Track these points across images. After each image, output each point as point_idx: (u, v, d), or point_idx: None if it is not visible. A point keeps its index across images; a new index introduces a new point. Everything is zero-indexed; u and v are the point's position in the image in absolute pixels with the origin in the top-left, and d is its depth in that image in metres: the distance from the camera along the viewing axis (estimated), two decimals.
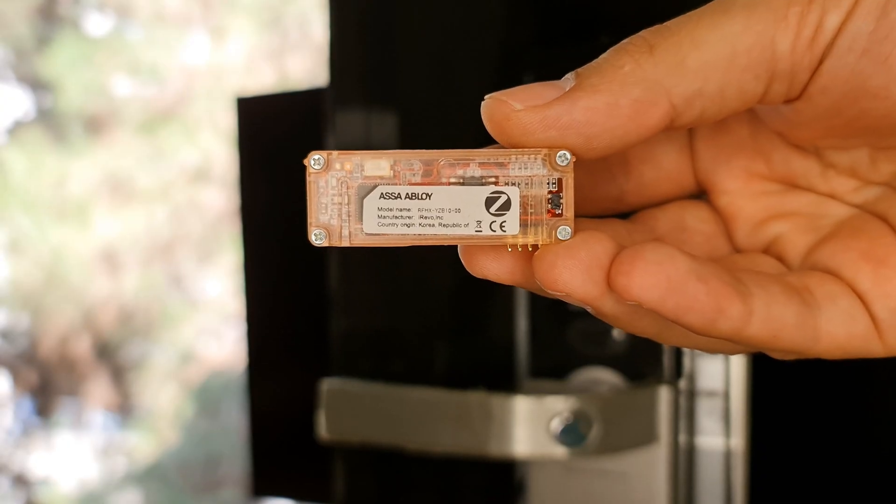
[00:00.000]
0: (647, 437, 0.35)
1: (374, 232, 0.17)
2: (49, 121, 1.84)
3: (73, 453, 1.77)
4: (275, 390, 0.52)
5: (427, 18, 0.40)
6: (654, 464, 0.36)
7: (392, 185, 0.17)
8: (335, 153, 0.17)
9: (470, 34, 0.39)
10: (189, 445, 1.76)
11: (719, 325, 0.16)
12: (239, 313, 1.64)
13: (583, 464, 0.36)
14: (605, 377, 0.36)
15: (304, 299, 0.51)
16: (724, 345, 0.18)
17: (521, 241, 0.17)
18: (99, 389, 1.81)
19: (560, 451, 0.34)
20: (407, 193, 0.17)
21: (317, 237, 0.17)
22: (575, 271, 0.16)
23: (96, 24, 1.87)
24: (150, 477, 1.74)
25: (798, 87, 0.17)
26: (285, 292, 0.52)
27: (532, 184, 0.17)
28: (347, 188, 0.17)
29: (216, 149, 1.78)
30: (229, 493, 1.73)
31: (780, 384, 0.38)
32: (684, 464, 0.36)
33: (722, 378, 0.36)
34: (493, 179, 0.17)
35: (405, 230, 0.17)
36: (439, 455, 0.37)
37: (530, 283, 0.18)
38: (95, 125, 1.82)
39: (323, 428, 0.39)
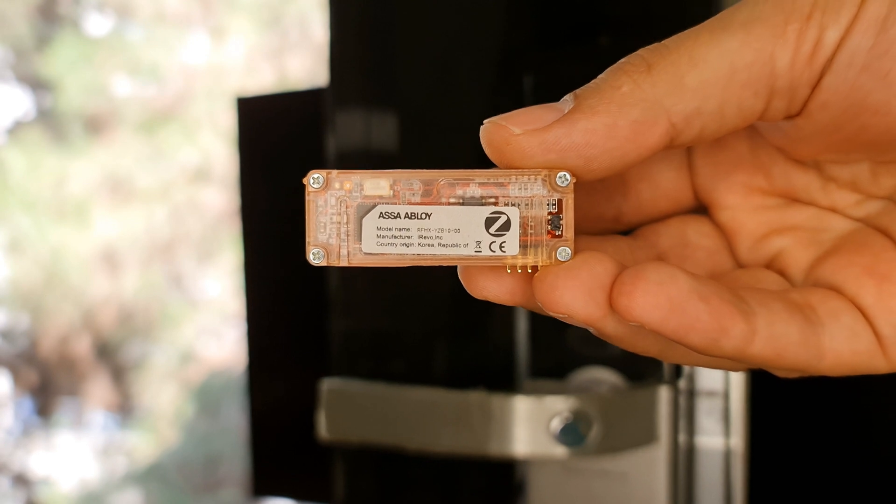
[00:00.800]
0: (647, 437, 0.35)
1: (372, 252, 0.17)
2: (49, 121, 1.84)
3: (73, 453, 1.77)
4: (275, 390, 0.52)
5: (427, 18, 0.40)
6: (653, 464, 0.36)
7: (391, 204, 0.17)
8: (334, 172, 0.17)
9: (470, 35, 0.39)
10: (189, 445, 1.76)
11: (722, 345, 0.16)
12: (239, 313, 1.64)
13: (583, 464, 0.36)
14: (604, 377, 0.36)
15: (304, 299, 0.51)
16: (727, 362, 0.18)
17: (520, 262, 0.17)
18: (99, 389, 1.81)
19: (560, 451, 0.34)
20: (406, 213, 0.17)
21: (315, 257, 0.17)
22: (576, 292, 0.16)
23: (96, 23, 1.87)
24: (150, 477, 1.74)
25: (798, 103, 0.17)
26: (285, 292, 0.52)
27: (532, 204, 0.17)
28: (346, 207, 0.17)
29: (216, 149, 1.78)
30: (229, 493, 1.73)
31: (780, 384, 0.38)
32: (684, 464, 0.36)
33: (722, 378, 0.36)
34: (492, 200, 0.17)
35: (404, 250, 0.17)
36: (439, 455, 0.37)
37: (531, 304, 0.18)
38: (95, 125, 1.82)
39: (323, 428, 0.39)
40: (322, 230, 0.17)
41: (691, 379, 0.36)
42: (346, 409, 0.38)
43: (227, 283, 1.82)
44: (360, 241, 0.17)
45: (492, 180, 0.17)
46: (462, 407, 0.36)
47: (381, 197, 0.17)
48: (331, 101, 0.41)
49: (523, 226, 0.17)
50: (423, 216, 0.17)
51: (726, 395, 0.36)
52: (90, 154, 1.80)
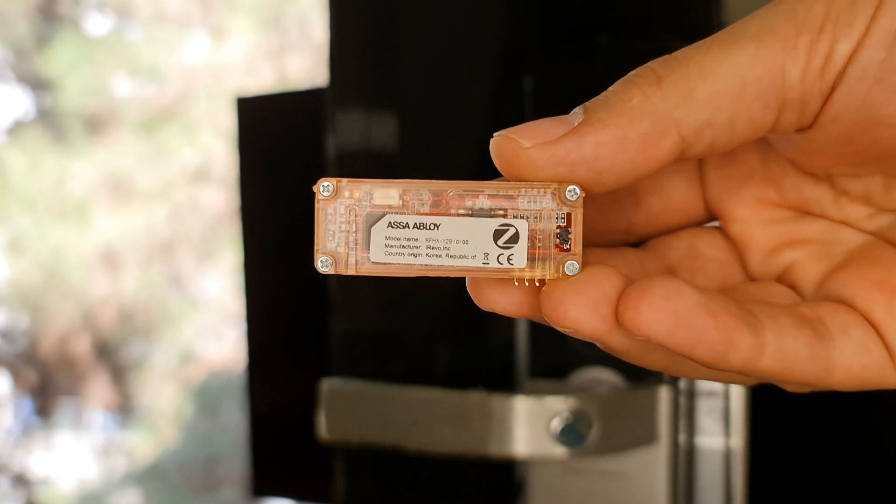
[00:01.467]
0: (647, 437, 0.35)
1: (380, 261, 0.17)
2: (49, 120, 1.84)
3: (73, 453, 1.77)
4: (275, 390, 0.52)
5: (427, 19, 0.40)
6: (654, 464, 0.36)
7: (400, 214, 0.17)
8: (345, 181, 0.17)
9: (470, 34, 0.39)
10: (189, 445, 1.76)
11: (730, 359, 0.16)
12: (239, 313, 1.64)
13: (583, 464, 0.36)
14: (604, 377, 0.36)
15: (304, 299, 0.51)
16: (736, 377, 0.18)
17: (528, 275, 0.17)
18: (99, 389, 1.81)
19: (560, 450, 0.34)
20: (415, 223, 0.17)
21: (323, 264, 0.17)
22: (583, 307, 0.16)
23: (96, 23, 1.87)
24: (150, 477, 1.75)
25: (809, 116, 0.17)
26: (285, 292, 0.52)
27: (541, 218, 0.17)
28: (356, 216, 0.17)
29: (216, 149, 1.78)
30: (229, 493, 1.73)
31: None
32: (684, 464, 0.36)
33: None
34: (501, 212, 0.17)
35: (412, 260, 0.17)
36: (439, 455, 0.37)
37: (538, 316, 0.18)
38: (95, 125, 1.82)
39: (323, 428, 0.39)
40: (331, 238, 0.17)
41: (691, 379, 0.36)
42: (346, 409, 0.38)
43: (227, 283, 1.82)
44: (369, 250, 0.17)
45: (501, 192, 0.17)
46: (462, 407, 0.36)
47: (390, 206, 0.17)
48: (331, 101, 0.41)
49: (532, 239, 0.17)
50: (432, 227, 0.17)
51: (726, 395, 0.36)
52: (90, 154, 1.80)
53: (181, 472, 1.74)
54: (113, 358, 1.82)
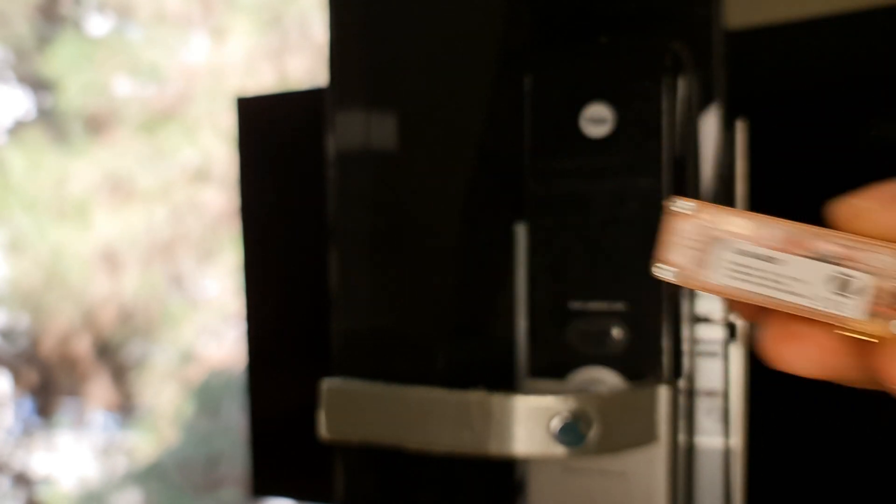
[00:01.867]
0: (646, 436, 0.35)
1: (723, 283, 0.18)
2: (49, 120, 1.84)
3: (74, 453, 1.77)
4: (275, 390, 0.52)
5: (427, 19, 0.40)
6: (653, 463, 0.36)
7: (748, 243, 0.18)
8: (702, 203, 0.18)
9: (470, 34, 0.39)
10: (189, 445, 1.76)
11: None
12: (239, 313, 1.64)
13: (582, 463, 0.37)
14: (604, 377, 0.36)
15: (304, 299, 0.51)
16: None
17: (860, 326, 0.17)
18: (99, 389, 1.81)
19: (559, 450, 0.34)
20: (760, 255, 0.18)
21: (663, 271, 0.18)
22: None
23: (97, 24, 1.87)
24: (151, 476, 1.75)
25: None
26: (285, 292, 0.52)
27: (883, 276, 0.17)
28: (704, 236, 0.18)
29: (216, 149, 1.78)
30: (229, 492, 1.73)
31: (778, 384, 0.38)
32: (683, 463, 0.36)
33: (721, 378, 0.36)
34: (842, 261, 0.17)
35: (754, 288, 0.18)
36: (439, 454, 0.37)
37: (839, 375, 0.18)
38: (96, 125, 1.82)
39: (323, 427, 0.39)
40: (674, 252, 0.18)
41: (691, 379, 0.36)
42: (347, 409, 0.38)
43: (227, 283, 1.82)
44: (709, 269, 0.18)
45: (847, 243, 0.17)
46: (462, 407, 0.36)
47: (739, 235, 0.18)
48: (331, 101, 0.41)
49: (873, 294, 0.17)
50: (775, 261, 0.18)
51: (725, 395, 0.36)
52: (90, 154, 1.80)
53: (181, 472, 1.74)
54: (113, 358, 1.82)
